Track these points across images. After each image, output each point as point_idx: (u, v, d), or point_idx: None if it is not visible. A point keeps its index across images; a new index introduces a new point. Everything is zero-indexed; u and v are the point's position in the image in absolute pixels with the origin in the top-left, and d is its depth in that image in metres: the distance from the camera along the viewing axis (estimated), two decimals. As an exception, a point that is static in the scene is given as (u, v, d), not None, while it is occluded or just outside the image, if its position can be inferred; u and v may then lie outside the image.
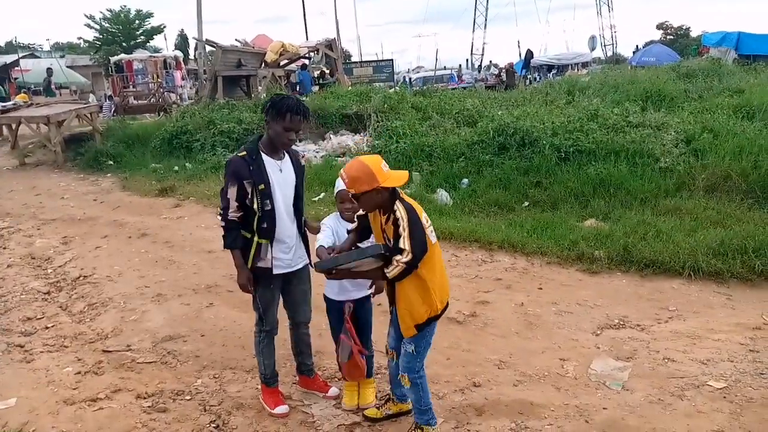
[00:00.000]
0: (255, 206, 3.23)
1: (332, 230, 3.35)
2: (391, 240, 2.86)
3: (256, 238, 3.28)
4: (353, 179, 2.83)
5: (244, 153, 3.27)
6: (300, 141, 11.16)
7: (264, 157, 3.27)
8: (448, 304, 3.10)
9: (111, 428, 3.47)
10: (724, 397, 3.52)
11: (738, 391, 3.58)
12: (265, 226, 3.27)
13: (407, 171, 3.04)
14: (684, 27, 53.40)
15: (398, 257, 2.78)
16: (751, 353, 4.01)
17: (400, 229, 2.79)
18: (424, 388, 3.11)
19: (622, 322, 4.65)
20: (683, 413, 3.38)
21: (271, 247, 3.31)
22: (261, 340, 3.53)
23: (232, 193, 3.22)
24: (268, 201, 3.23)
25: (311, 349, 3.78)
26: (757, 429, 3.21)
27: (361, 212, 3.11)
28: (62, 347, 4.64)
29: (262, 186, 3.21)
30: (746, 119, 9.58)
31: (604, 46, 32.71)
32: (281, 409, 3.52)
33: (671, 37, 52.72)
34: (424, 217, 2.92)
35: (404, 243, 2.77)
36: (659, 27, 56.06)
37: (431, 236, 2.93)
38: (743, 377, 3.72)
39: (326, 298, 3.55)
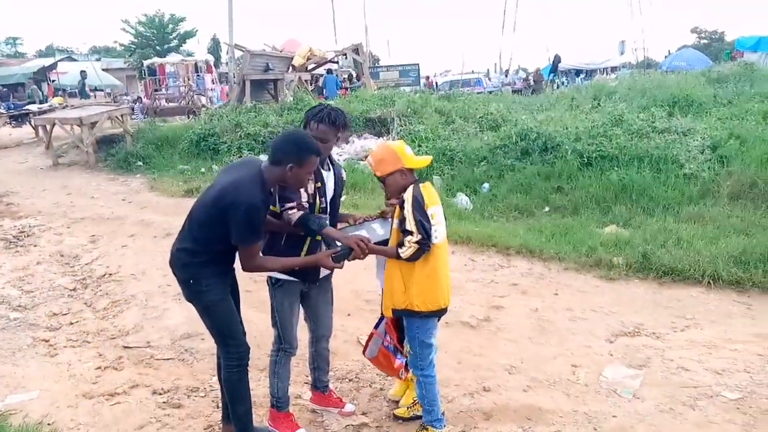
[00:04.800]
0: (317, 202, 3.13)
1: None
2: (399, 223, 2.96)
3: (308, 239, 3.14)
4: (378, 161, 3.04)
5: None
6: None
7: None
8: (440, 311, 3.11)
9: (126, 422, 3.58)
10: (738, 408, 3.47)
11: (752, 402, 3.52)
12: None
13: (431, 156, 3.13)
14: (718, 31, 52.27)
15: (409, 238, 2.88)
16: (768, 364, 3.94)
17: (405, 211, 2.91)
18: (428, 387, 3.16)
19: (637, 330, 4.61)
20: (694, 423, 3.35)
21: (322, 249, 3.14)
22: (278, 360, 3.32)
23: None
24: (323, 199, 3.18)
25: (329, 365, 3.65)
26: (769, 441, 3.17)
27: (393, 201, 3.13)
28: (85, 342, 4.79)
29: (319, 183, 3.16)
30: (777, 126, 9.37)
31: (635, 50, 32.21)
32: None
33: (705, 41, 51.64)
34: (433, 210, 2.97)
35: (410, 225, 2.88)
36: (693, 31, 54.97)
37: (436, 234, 2.97)
38: (759, 389, 3.66)
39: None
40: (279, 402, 3.35)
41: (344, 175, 3.46)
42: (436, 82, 27.36)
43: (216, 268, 3.00)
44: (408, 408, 3.52)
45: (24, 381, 4.12)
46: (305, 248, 3.13)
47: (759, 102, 11.08)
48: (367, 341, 3.49)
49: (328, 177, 3.26)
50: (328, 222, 3.12)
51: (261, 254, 2.97)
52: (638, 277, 5.58)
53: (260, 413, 3.61)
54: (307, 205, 3.09)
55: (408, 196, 2.94)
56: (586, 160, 8.50)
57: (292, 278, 3.18)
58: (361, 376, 4.06)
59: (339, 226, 3.33)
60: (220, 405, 3.41)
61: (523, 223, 7.34)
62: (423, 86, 20.65)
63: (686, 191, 7.39)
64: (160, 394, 3.90)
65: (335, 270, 3.12)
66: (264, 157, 3.13)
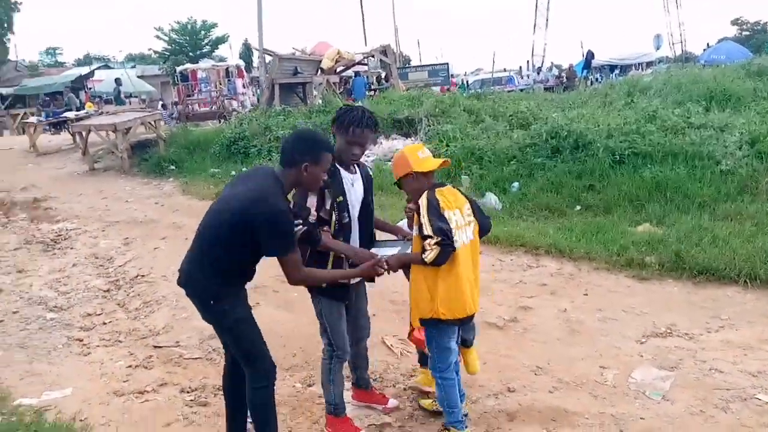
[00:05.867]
0: (333, 218, 3.08)
1: None
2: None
3: (332, 254, 3.12)
4: (393, 166, 3.13)
5: None
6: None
7: (340, 168, 3.13)
8: (465, 320, 3.09)
9: (154, 420, 3.64)
10: (774, 412, 3.35)
11: (790, 405, 3.39)
12: (341, 239, 3.12)
13: (446, 158, 3.24)
14: (761, 22, 50.57)
15: (428, 241, 2.87)
16: (807, 366, 3.79)
17: (421, 216, 2.91)
18: (447, 390, 3.13)
19: (669, 331, 4.49)
20: (726, 426, 3.25)
21: (346, 262, 3.13)
22: (332, 368, 3.27)
23: (311, 201, 3.05)
24: (345, 214, 3.12)
25: (368, 362, 3.67)
26: (806, 446, 3.04)
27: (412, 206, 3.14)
28: (117, 342, 4.90)
29: (340, 198, 3.09)
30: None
31: (672, 44, 31.40)
32: None
33: (747, 33, 50.10)
34: (450, 214, 2.94)
35: (426, 229, 2.87)
36: (734, 23, 53.37)
37: (458, 237, 2.94)
38: (796, 391, 3.53)
39: None
40: (336, 408, 3.34)
41: (371, 172, 3.45)
42: (467, 81, 27.19)
43: (236, 287, 2.91)
44: (434, 401, 3.50)
45: (59, 379, 4.24)
46: (330, 261, 3.12)
47: (801, 95, 10.71)
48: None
49: (356, 180, 3.22)
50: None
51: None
52: (672, 276, 5.43)
53: (283, 412, 3.63)
54: (314, 218, 3.04)
55: (423, 201, 2.93)
56: (618, 157, 8.31)
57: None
58: (384, 376, 4.05)
59: (382, 236, 3.40)
60: (225, 414, 3.24)
61: (553, 223, 7.23)
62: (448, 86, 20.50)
63: (723, 188, 7.17)
64: (188, 392, 3.97)
65: None
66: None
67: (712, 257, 5.41)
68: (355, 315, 3.43)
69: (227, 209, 2.80)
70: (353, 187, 3.20)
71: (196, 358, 4.52)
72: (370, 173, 3.44)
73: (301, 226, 2.94)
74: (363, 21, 33.24)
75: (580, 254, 6.08)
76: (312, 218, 3.03)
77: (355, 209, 3.19)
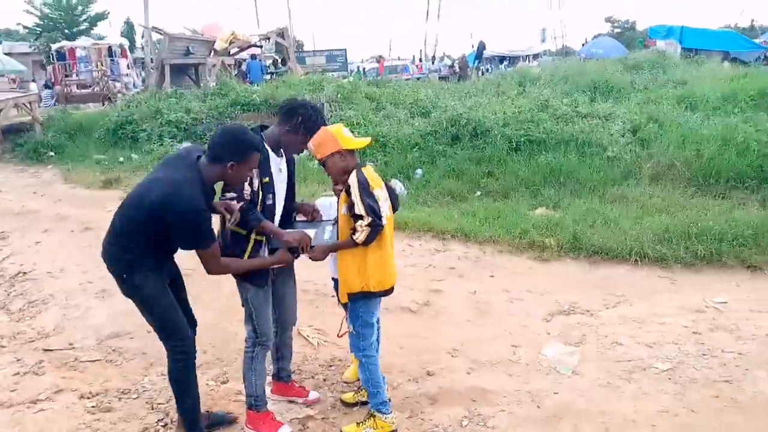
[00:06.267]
0: (259, 199, 3.01)
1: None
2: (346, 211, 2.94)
3: (253, 236, 3.02)
4: (317, 144, 2.98)
5: None
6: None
7: (270, 151, 3.06)
8: (390, 290, 3.10)
9: (53, 430, 3.32)
10: (669, 378, 3.63)
11: (682, 372, 3.69)
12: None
13: (370, 138, 3.16)
14: (630, 21, 54.94)
15: (360, 222, 2.85)
16: (694, 335, 4.15)
17: (352, 196, 2.87)
18: (370, 368, 3.13)
19: (571, 308, 4.74)
20: (631, 395, 3.47)
21: (266, 245, 3.07)
22: (254, 356, 3.17)
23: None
24: (270, 195, 3.05)
25: (292, 352, 3.57)
26: (700, 408, 3.32)
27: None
28: (0, 347, 4.42)
29: (266, 179, 3.02)
30: (689, 110, 9.93)
31: (555, 38, 33.39)
32: (285, 430, 3.20)
33: (618, 30, 54.04)
34: (378, 192, 2.95)
35: (359, 209, 2.85)
36: (607, 20, 57.46)
37: (384, 211, 2.94)
38: (687, 359, 3.84)
39: (335, 281, 3.46)
40: (257, 401, 3.21)
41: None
42: (364, 69, 27.23)
43: (150, 262, 2.87)
44: (354, 393, 3.49)
45: (-70, 393, 3.75)
46: (250, 244, 3.02)
47: (672, 88, 11.70)
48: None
49: (282, 164, 3.15)
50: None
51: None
52: (570, 257, 5.74)
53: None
54: (248, 199, 2.96)
55: (353, 181, 2.89)
56: (514, 144, 8.67)
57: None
58: (303, 368, 3.95)
59: (298, 216, 3.32)
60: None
61: (456, 208, 7.40)
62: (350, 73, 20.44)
63: (610, 173, 7.68)
64: (89, 398, 3.65)
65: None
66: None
67: (606, 238, 5.78)
68: (282, 301, 3.35)
69: (146, 196, 2.75)
70: (280, 171, 3.15)
71: (94, 361, 4.16)
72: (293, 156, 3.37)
73: (236, 201, 2.92)
74: (255, 2, 32.25)
75: (485, 238, 6.27)
76: (246, 193, 2.94)
77: (279, 191, 3.13)
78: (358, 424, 3.19)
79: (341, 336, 3.40)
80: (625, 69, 14.62)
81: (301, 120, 3.04)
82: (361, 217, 2.84)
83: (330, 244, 3.04)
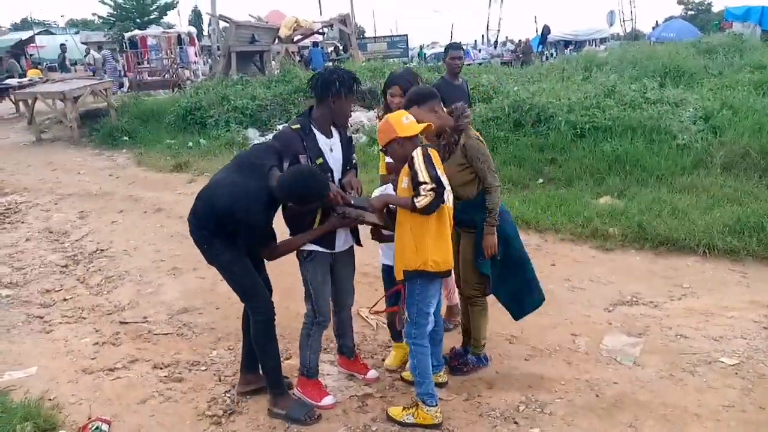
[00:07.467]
0: None
1: None
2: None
3: (318, 215, 3.16)
4: (379, 133, 3.15)
5: (298, 126, 3.17)
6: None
7: (316, 132, 3.18)
8: (447, 273, 3.13)
9: (128, 397, 3.55)
10: (736, 374, 3.51)
11: (750, 367, 3.57)
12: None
13: (429, 123, 3.18)
14: (705, 2, 52.07)
15: (423, 186, 2.84)
16: (764, 330, 3.99)
17: (415, 166, 2.88)
18: (420, 357, 3.13)
19: (635, 299, 4.64)
20: (694, 388, 3.39)
21: (335, 214, 3.16)
22: (311, 333, 3.35)
23: (285, 167, 3.10)
24: (329, 175, 3.16)
25: (353, 330, 3.71)
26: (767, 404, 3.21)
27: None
28: (80, 318, 4.73)
29: (320, 160, 3.13)
30: (767, 96, 9.40)
31: (623, 21, 32.08)
32: (328, 400, 3.36)
33: (692, 12, 51.48)
34: (440, 171, 2.96)
35: (423, 176, 2.85)
36: (680, 2, 54.73)
37: (447, 187, 2.97)
38: (756, 354, 3.71)
39: (385, 267, 3.63)
40: (309, 371, 3.41)
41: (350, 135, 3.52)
42: (425, 54, 27.08)
43: (226, 239, 3.13)
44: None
45: (21, 358, 4.08)
46: (317, 217, 3.18)
47: (749, 73, 11.11)
48: (396, 318, 3.33)
49: (333, 144, 3.26)
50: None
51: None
52: (634, 247, 5.60)
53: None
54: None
55: (417, 152, 2.92)
56: (579, 131, 8.45)
57: (321, 249, 3.23)
58: (361, 347, 4.05)
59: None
60: (240, 359, 3.56)
61: (517, 195, 7.32)
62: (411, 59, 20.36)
63: (679, 162, 7.39)
64: (161, 368, 3.88)
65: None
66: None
67: (673, 228, 5.60)
68: (341, 282, 3.48)
69: (218, 199, 3.06)
70: (332, 152, 3.25)
71: (166, 334, 4.41)
72: (348, 134, 3.48)
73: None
74: (318, -11, 32.52)
75: (546, 226, 6.19)
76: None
77: (335, 170, 3.25)
78: (404, 408, 3.21)
79: (372, 312, 3.54)
80: (698, 53, 13.95)
81: (339, 85, 3.12)
82: (424, 183, 2.83)
83: (390, 197, 3.12)
